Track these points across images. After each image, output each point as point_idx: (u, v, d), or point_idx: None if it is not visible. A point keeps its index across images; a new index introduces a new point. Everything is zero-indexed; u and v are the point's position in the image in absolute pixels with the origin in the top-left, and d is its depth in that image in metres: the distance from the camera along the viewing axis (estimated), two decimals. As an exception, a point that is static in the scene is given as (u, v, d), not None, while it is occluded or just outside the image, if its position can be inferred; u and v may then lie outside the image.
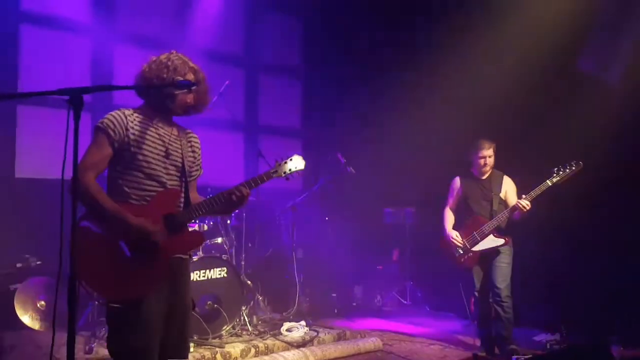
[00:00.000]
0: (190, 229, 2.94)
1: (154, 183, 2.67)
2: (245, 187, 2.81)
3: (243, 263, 5.65)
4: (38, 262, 5.21)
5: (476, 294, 5.13)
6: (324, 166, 6.82)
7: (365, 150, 7.02)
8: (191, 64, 2.78)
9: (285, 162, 2.95)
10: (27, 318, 4.90)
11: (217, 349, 4.56)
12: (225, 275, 5.00)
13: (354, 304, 7.03)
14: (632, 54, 5.04)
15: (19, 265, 5.15)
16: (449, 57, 6.16)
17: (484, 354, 4.94)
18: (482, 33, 5.88)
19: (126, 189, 2.63)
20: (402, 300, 7.13)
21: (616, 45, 5.18)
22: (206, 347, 4.59)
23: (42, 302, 4.98)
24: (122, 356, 2.58)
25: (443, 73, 6.24)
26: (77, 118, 2.09)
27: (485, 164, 5.06)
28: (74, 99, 2.07)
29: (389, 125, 7.00)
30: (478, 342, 5.20)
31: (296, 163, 2.95)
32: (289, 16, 7.86)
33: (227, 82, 5.36)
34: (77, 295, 2.11)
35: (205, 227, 5.31)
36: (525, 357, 4.27)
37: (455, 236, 5.07)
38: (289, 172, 2.95)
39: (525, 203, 4.71)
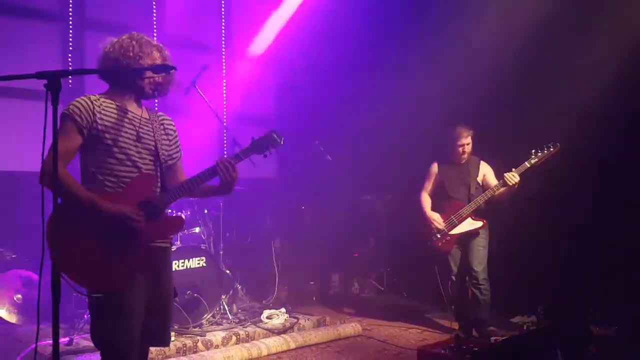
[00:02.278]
0: (169, 215, 2.90)
1: (127, 168, 2.61)
2: (227, 162, 2.73)
3: (221, 252, 5.63)
4: (13, 256, 5.13)
5: (453, 277, 5.21)
6: (301, 154, 6.82)
7: (342, 136, 7.02)
8: (154, 42, 2.74)
9: (262, 138, 2.86)
10: (4, 312, 4.84)
11: (198, 337, 4.55)
12: (204, 264, 4.99)
13: (332, 291, 7.07)
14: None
15: (-6, 259, 5.07)
16: (427, 44, 6.19)
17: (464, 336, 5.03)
18: (460, 19, 5.90)
19: (99, 176, 2.57)
20: (379, 287, 7.17)
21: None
22: (187, 335, 4.59)
23: (19, 296, 4.92)
24: (106, 345, 2.57)
25: (419, 59, 6.27)
26: (55, 102, 2.04)
27: (463, 152, 5.12)
28: (52, 83, 2.01)
29: (365, 112, 7.01)
30: (456, 326, 5.28)
31: (273, 139, 2.86)
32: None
33: (204, 66, 5.17)
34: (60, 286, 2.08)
35: (183, 217, 5.26)
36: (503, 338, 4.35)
37: (436, 218, 5.12)
38: (266, 149, 2.87)
39: (512, 175, 4.76)
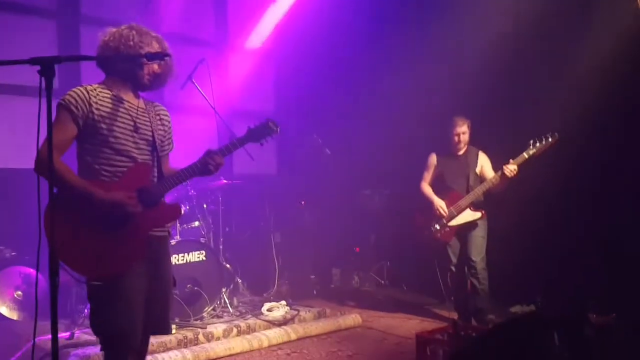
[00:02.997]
0: (167, 203, 2.90)
1: (124, 158, 2.61)
2: (219, 154, 2.76)
3: (221, 247, 5.63)
4: (13, 253, 5.15)
5: (452, 268, 5.23)
6: (300, 148, 6.82)
7: (341, 131, 7.03)
8: (153, 34, 2.73)
9: (258, 127, 2.88)
10: (5, 308, 4.88)
11: (199, 329, 4.56)
12: (204, 258, 5.00)
13: (332, 285, 7.08)
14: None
15: (-7, 256, 5.09)
16: (424, 36, 6.19)
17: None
18: (456, 13, 5.90)
19: (96, 166, 2.57)
20: (380, 280, 7.19)
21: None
22: (188, 328, 4.60)
23: (19, 292, 4.95)
24: (106, 333, 2.57)
25: (417, 54, 6.27)
26: (49, 89, 2.03)
27: (459, 141, 5.12)
28: (46, 69, 2.02)
29: (364, 106, 7.01)
30: (455, 315, 5.27)
31: (269, 128, 2.87)
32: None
33: (201, 59, 5.12)
34: (59, 279, 2.06)
35: (180, 206, 5.25)
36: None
37: (443, 205, 5.10)
38: (262, 137, 2.88)
39: (513, 167, 4.73)
